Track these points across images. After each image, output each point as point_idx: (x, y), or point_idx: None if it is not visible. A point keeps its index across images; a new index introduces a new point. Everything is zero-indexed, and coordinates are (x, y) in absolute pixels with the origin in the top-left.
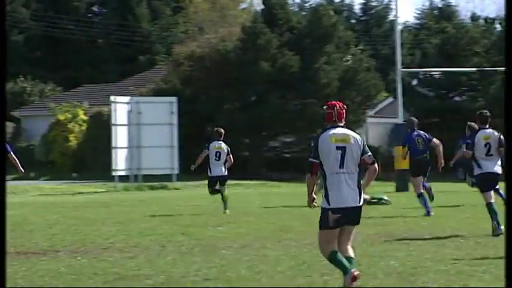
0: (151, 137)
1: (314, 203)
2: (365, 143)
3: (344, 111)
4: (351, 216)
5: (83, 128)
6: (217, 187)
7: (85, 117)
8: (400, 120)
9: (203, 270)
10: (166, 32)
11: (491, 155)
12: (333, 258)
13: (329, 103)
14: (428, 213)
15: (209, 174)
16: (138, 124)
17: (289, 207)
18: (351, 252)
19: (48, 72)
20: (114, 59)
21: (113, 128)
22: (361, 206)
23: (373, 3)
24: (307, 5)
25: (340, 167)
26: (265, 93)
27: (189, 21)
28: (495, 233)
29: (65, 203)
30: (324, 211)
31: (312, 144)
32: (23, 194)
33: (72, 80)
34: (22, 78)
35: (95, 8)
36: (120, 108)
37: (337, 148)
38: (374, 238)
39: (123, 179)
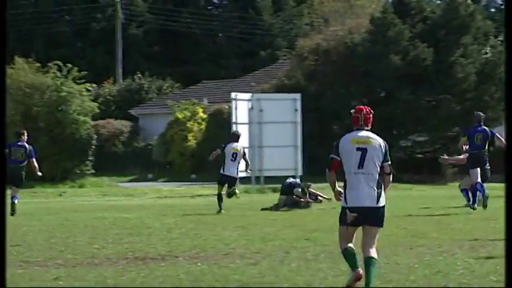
0: (273, 136)
1: (341, 197)
2: (388, 151)
3: (371, 116)
4: (368, 216)
5: (202, 126)
6: (223, 192)
7: (204, 115)
8: None
9: (329, 278)
10: (289, 24)
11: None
12: (345, 254)
13: (357, 107)
14: (469, 204)
15: (221, 172)
16: (259, 122)
17: (422, 211)
18: (373, 253)
19: (166, 68)
20: (234, 54)
21: (234, 126)
22: (380, 208)
23: None
24: None
25: (359, 168)
26: (395, 88)
27: (313, 13)
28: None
29: (183, 205)
30: (343, 209)
31: (334, 144)
32: (141, 196)
33: (191, 76)
34: (139, 75)
35: (215, 0)
36: (241, 106)
37: (358, 149)
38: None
39: (244, 180)
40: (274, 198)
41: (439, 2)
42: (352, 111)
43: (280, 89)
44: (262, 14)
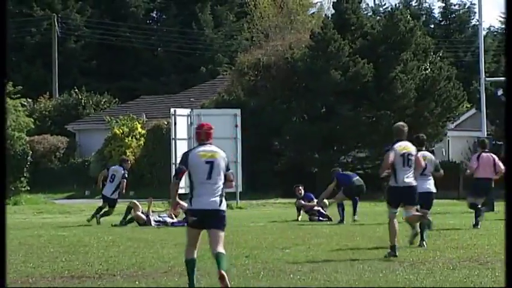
0: None
1: (179, 207)
2: (228, 160)
3: (211, 131)
4: (211, 219)
5: (141, 142)
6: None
7: (143, 131)
8: (483, 133)
9: None
10: (229, 39)
11: (425, 174)
12: (187, 264)
13: (199, 124)
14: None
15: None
16: None
17: (363, 227)
18: (221, 249)
19: (104, 83)
20: (174, 69)
21: (173, 142)
22: (221, 211)
23: (454, 7)
24: (381, 9)
25: (207, 178)
26: (336, 104)
27: (254, 28)
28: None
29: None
30: (188, 211)
31: (183, 156)
32: (78, 214)
33: (130, 92)
34: (76, 90)
35: (154, 15)
36: (181, 121)
37: (206, 162)
38: (455, 262)
39: (184, 197)
40: None
41: (378, 18)
42: (195, 126)
43: (220, 104)
44: (204, 28)
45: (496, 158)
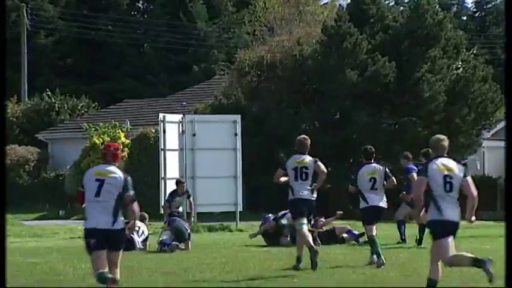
0: (209, 165)
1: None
2: (131, 182)
3: (119, 152)
4: (106, 238)
5: (124, 154)
6: None
7: (127, 141)
8: None
9: None
10: (227, 33)
11: (376, 189)
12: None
13: (106, 144)
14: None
15: None
16: (192, 149)
17: (385, 252)
18: (116, 275)
19: (82, 85)
20: (162, 68)
21: (162, 153)
22: (116, 230)
23: None
24: None
25: (95, 196)
26: (352, 109)
27: (256, 20)
28: (377, 264)
29: None
30: (84, 231)
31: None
32: (51, 237)
33: (111, 95)
34: (49, 93)
35: (139, 4)
36: (171, 129)
37: (96, 180)
38: None
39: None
40: (210, 238)
41: (402, 8)
42: (102, 147)
43: (217, 109)
44: (196, 21)
45: None
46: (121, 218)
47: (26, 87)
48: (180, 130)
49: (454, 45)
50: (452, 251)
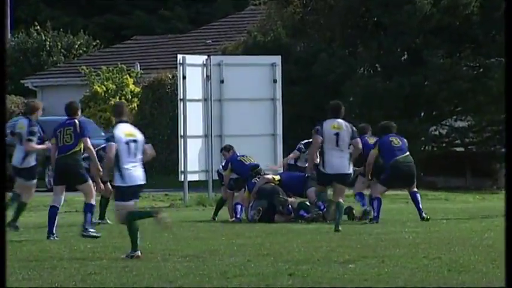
0: (241, 120)
1: None
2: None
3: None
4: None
5: (134, 105)
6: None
7: (136, 89)
8: None
9: None
10: None
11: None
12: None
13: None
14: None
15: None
16: (220, 100)
17: (462, 232)
18: None
19: (79, 17)
20: None
21: (181, 104)
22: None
23: None
24: None
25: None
26: (423, 49)
27: None
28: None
29: (105, 222)
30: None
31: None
32: (42, 211)
33: (117, 30)
34: (38, 27)
35: None
36: (192, 75)
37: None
38: None
39: (196, 185)
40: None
41: None
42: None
43: (251, 49)
44: None
45: None
46: None
47: (10, 21)
48: (204, 75)
49: None
50: None
